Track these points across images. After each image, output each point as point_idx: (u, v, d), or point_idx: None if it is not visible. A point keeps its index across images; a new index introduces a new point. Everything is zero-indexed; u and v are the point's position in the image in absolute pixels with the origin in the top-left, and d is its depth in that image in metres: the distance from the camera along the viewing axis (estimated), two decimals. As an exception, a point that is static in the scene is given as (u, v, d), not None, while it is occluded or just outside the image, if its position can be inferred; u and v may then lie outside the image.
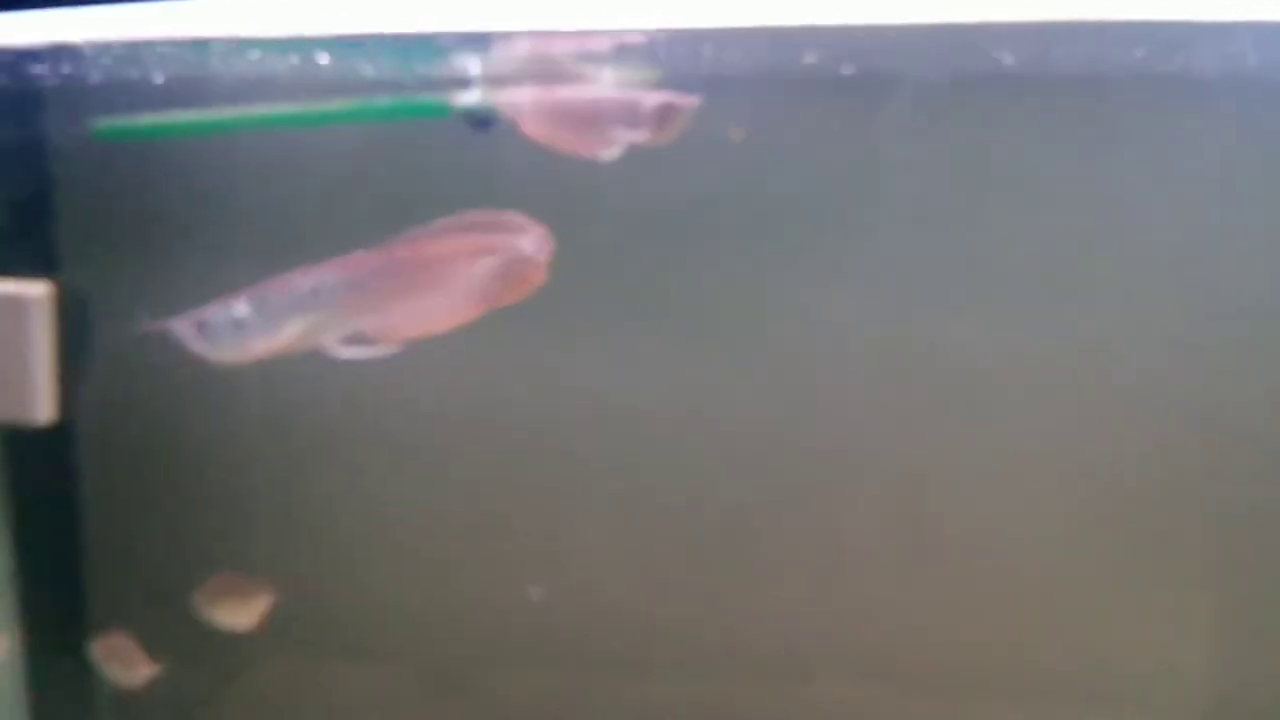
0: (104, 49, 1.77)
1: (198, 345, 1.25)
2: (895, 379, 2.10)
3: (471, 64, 1.79)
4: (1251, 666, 2.12)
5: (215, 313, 1.23)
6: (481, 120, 1.82)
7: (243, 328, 1.23)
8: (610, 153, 1.58)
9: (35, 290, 1.91)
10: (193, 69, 1.83)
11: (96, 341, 2.03)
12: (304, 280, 1.24)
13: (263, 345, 1.24)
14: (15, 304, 1.90)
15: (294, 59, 1.78)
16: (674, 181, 1.96)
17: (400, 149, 2.09)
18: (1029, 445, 2.09)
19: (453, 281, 1.25)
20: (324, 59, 1.77)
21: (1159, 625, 2.13)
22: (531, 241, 1.26)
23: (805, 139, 2.02)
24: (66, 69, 1.84)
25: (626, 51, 1.70)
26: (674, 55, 1.70)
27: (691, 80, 1.73)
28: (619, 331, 2.16)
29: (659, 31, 1.62)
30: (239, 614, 2.02)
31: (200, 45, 1.75)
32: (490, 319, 2.13)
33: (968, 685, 2.18)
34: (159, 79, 1.86)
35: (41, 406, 1.93)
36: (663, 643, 2.25)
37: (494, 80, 1.80)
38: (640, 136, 1.57)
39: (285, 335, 1.24)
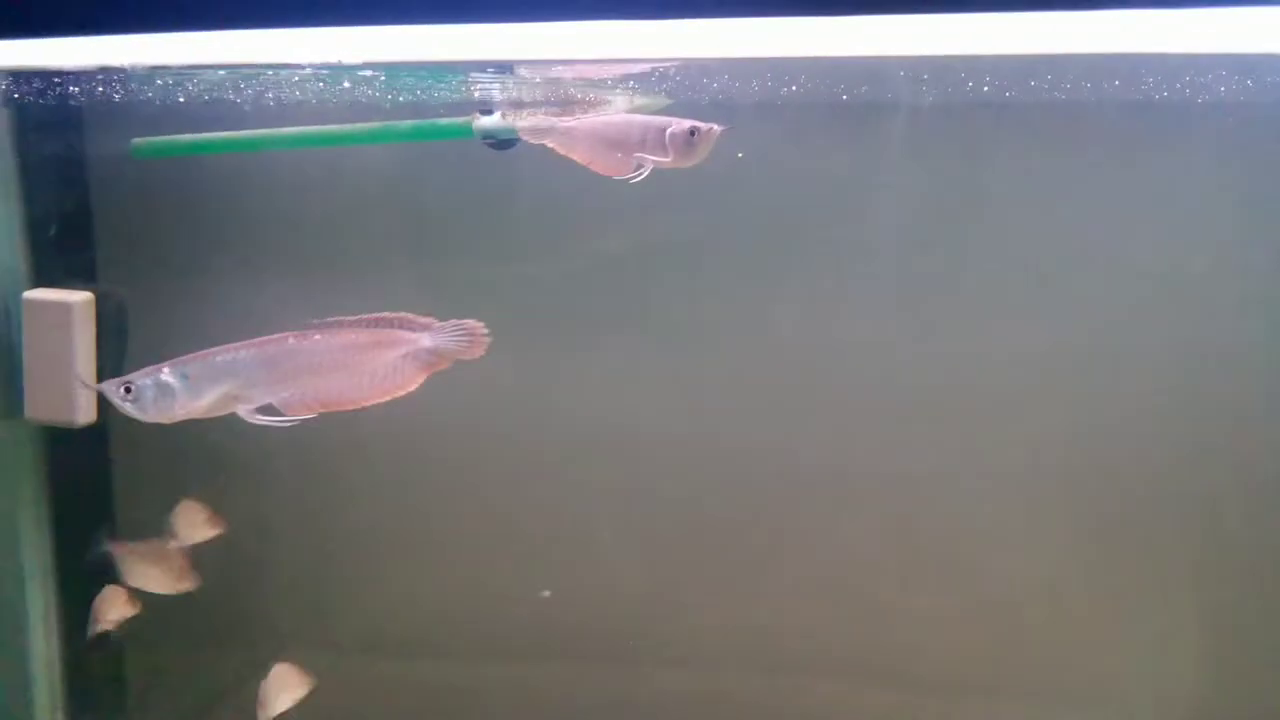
0: (142, 72, 1.85)
1: (126, 406, 1.38)
2: (894, 392, 2.15)
3: (492, 89, 1.88)
4: (1238, 672, 2.16)
5: (142, 378, 1.37)
6: (502, 141, 1.90)
7: (167, 393, 1.37)
8: (639, 174, 1.64)
9: (77, 298, 2.00)
10: (227, 92, 1.92)
11: (131, 347, 2.11)
12: (223, 356, 1.38)
13: (184, 410, 1.39)
14: (59, 310, 1.98)
15: (323, 84, 1.87)
16: (681, 201, 2.03)
17: (425, 168, 2.17)
18: (1023, 456, 2.14)
19: (355, 368, 1.38)
20: (354, 84, 1.86)
21: (1150, 631, 2.17)
22: (432, 339, 1.37)
23: (805, 162, 2.09)
24: (105, 90, 1.93)
25: (639, 78, 1.77)
26: (683, 82, 1.77)
27: (698, 106, 1.81)
28: (628, 345, 2.23)
29: (669, 60, 1.67)
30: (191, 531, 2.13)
31: (235, 70, 1.83)
32: (507, 331, 2.20)
33: (961, 687, 2.23)
34: (194, 100, 1.95)
35: (83, 409, 2.01)
36: (667, 640, 2.30)
37: (514, 104, 1.89)
38: (667, 160, 1.62)
39: (204, 403, 1.39)
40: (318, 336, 1.38)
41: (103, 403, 2.05)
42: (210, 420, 2.24)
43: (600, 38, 1.49)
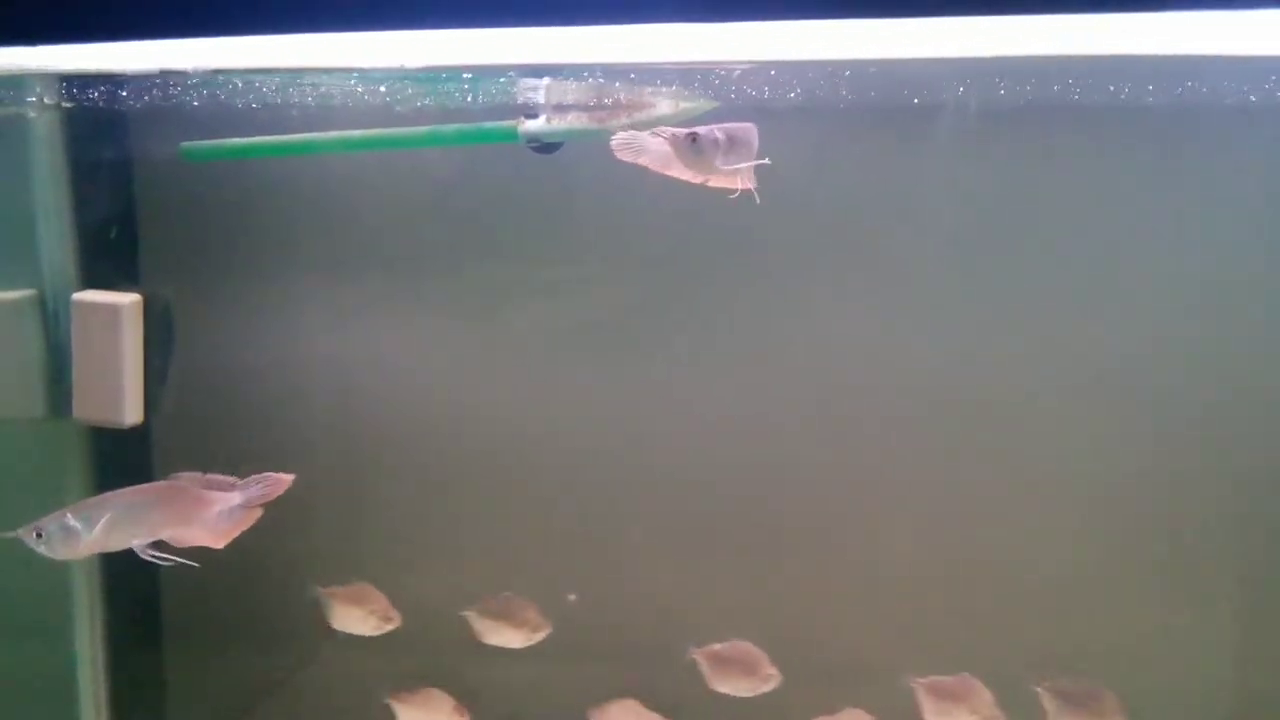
0: (193, 77, 1.87)
1: (38, 548, 1.54)
2: (930, 399, 2.16)
3: (537, 93, 1.91)
4: (1270, 678, 2.17)
5: (50, 523, 1.54)
6: (546, 145, 1.93)
7: (73, 534, 1.53)
8: (717, 180, 1.55)
9: (126, 300, 2.02)
10: (276, 96, 1.94)
11: (176, 350, 2.13)
12: (116, 500, 1.58)
13: (88, 547, 1.56)
14: (108, 312, 2.01)
15: (366, 87, 1.90)
16: (719, 207, 2.03)
17: (469, 171, 2.19)
18: (1055, 462, 2.15)
19: (200, 518, 1.59)
20: (392, 88, 1.88)
21: (1182, 637, 2.17)
22: (241, 494, 1.59)
23: (844, 165, 2.10)
24: (152, 94, 1.95)
25: (686, 79, 1.78)
26: (728, 86, 1.77)
27: (741, 109, 1.82)
28: (667, 350, 2.24)
29: (712, 63, 1.68)
30: None
31: (284, 74, 1.85)
32: (540, 337, 2.22)
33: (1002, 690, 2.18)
34: (246, 105, 1.97)
35: (130, 410, 2.04)
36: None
37: (558, 108, 1.91)
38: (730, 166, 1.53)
39: (108, 540, 1.55)
40: (179, 491, 1.60)
41: (149, 404, 2.10)
42: (251, 424, 2.32)
43: (649, 42, 1.48)
